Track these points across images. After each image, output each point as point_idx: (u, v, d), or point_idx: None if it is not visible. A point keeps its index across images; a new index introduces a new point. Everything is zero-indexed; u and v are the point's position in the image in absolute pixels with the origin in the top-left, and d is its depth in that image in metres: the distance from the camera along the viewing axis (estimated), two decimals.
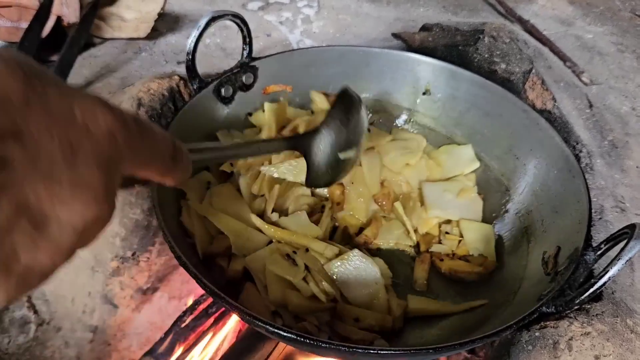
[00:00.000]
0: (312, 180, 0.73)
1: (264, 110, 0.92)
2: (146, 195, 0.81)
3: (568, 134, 1.00)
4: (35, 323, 0.97)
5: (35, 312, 0.98)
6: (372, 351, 0.56)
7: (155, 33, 1.16)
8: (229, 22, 0.82)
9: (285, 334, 0.56)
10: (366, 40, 1.28)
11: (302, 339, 0.55)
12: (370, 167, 0.88)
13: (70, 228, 0.33)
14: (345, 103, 0.71)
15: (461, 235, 0.85)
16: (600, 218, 0.86)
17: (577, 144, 0.98)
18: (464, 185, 0.91)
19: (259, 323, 0.56)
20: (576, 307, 0.58)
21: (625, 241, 0.57)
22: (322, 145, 0.70)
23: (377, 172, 0.88)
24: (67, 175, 0.32)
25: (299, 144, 0.70)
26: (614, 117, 1.11)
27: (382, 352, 0.56)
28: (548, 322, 0.58)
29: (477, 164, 0.93)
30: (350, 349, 0.55)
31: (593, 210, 0.87)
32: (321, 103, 0.95)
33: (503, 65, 1.02)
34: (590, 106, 1.10)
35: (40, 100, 0.31)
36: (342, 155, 0.71)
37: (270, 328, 0.56)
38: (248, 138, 0.90)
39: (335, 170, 0.72)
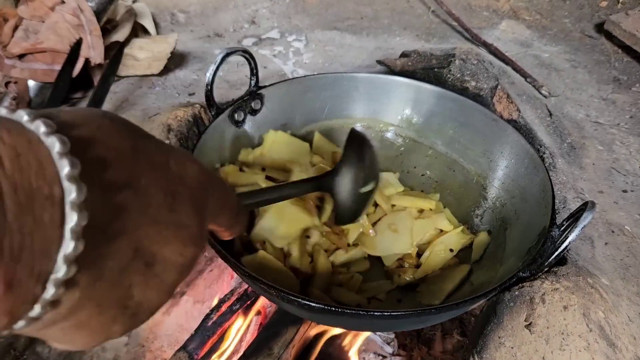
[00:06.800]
0: (340, 218, 0.78)
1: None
2: None
3: (532, 139, 1.15)
4: None
5: None
6: (385, 314, 0.68)
7: (164, 70, 1.30)
8: (230, 58, 0.92)
9: (315, 304, 0.66)
10: (352, 67, 1.44)
11: (328, 308, 0.66)
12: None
13: (173, 266, 0.36)
14: (356, 142, 0.76)
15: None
16: (564, 207, 1.01)
17: (541, 147, 1.13)
18: None
19: (292, 297, 0.67)
20: (546, 269, 0.71)
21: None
22: (345, 183, 0.74)
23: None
24: (170, 219, 0.35)
25: (324, 185, 0.75)
26: (571, 124, 1.27)
27: (393, 313, 0.68)
28: (525, 284, 0.71)
29: None
30: (369, 313, 0.66)
31: (557, 201, 1.02)
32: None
33: (473, 83, 1.17)
34: (550, 115, 1.26)
35: (144, 154, 0.34)
36: (362, 190, 0.75)
37: (302, 301, 0.66)
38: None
39: (359, 205, 0.76)
